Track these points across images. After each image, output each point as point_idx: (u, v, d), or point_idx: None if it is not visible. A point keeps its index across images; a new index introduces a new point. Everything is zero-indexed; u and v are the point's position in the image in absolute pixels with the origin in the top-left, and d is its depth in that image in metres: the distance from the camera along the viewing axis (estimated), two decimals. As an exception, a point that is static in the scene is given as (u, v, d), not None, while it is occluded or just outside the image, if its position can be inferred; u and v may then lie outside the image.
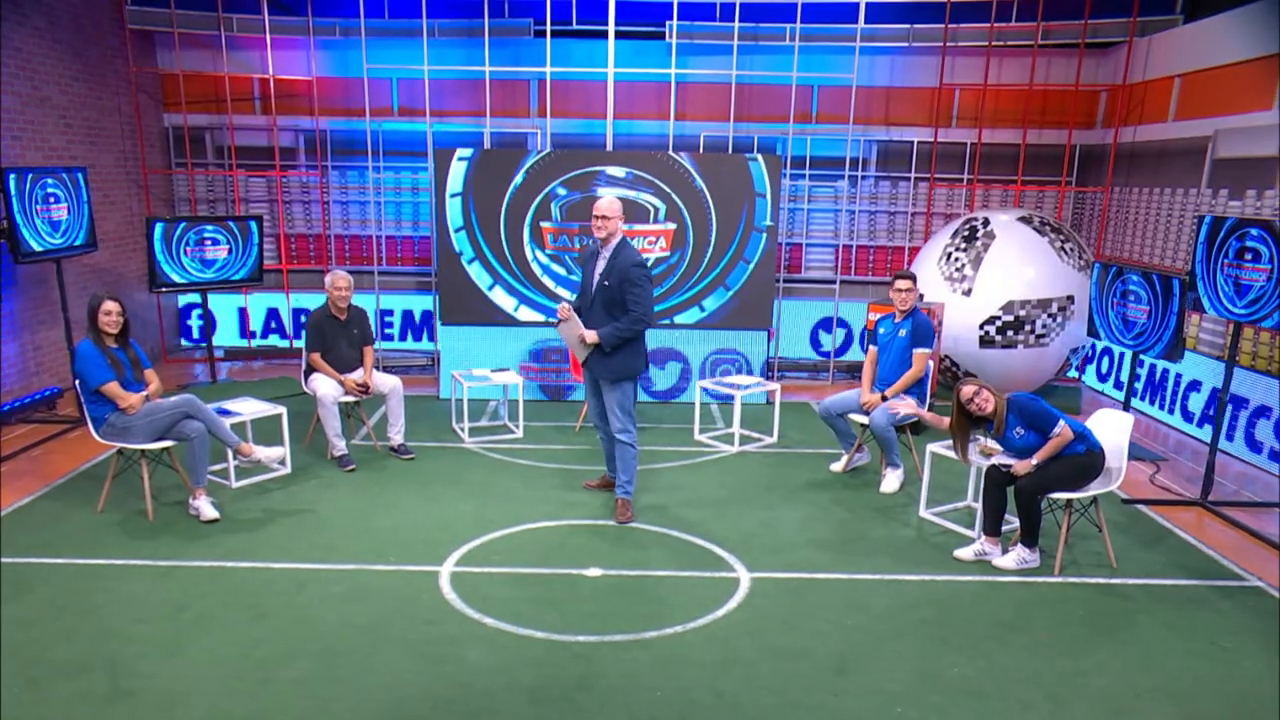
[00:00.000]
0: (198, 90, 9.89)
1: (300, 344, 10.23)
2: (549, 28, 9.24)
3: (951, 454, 5.82)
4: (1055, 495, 5.15)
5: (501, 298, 8.70)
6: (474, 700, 3.83)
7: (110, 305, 5.58)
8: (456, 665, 4.09)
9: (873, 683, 4.05)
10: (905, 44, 9.69)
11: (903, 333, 6.56)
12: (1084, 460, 5.14)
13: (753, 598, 4.81)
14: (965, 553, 5.31)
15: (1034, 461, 5.11)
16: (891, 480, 6.54)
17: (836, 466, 6.92)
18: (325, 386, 6.69)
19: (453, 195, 8.57)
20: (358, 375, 6.91)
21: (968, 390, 5.26)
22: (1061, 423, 5.10)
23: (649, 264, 6.01)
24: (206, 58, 9.87)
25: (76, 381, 5.62)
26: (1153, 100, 8.94)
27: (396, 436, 7.04)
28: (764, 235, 8.60)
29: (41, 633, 4.29)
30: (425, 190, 10.17)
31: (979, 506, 5.65)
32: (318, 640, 4.28)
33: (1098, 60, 9.70)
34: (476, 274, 8.67)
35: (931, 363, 6.89)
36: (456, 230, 8.60)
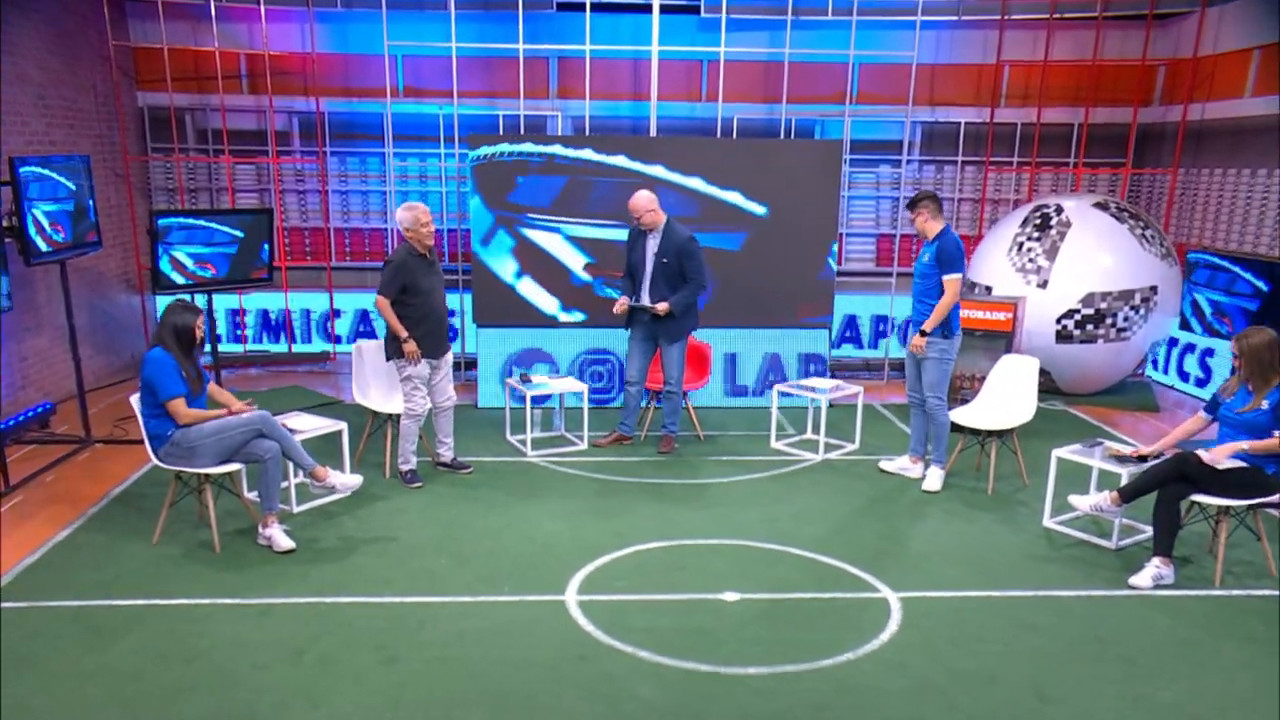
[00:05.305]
0: (172, 67, 9.53)
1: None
2: (588, 1, 9.16)
3: (1076, 458, 5.92)
4: (1207, 501, 5.26)
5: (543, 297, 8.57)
6: (672, 744, 3.80)
7: (200, 319, 5.41)
8: (636, 705, 4.04)
9: (1080, 709, 4.10)
10: (955, 18, 9.80)
11: (926, 256, 6.46)
12: (1270, 480, 5.17)
13: (911, 619, 4.84)
14: (1143, 580, 5.21)
15: (1245, 446, 5.11)
16: (934, 479, 6.67)
17: (887, 466, 7.07)
18: (422, 404, 6.58)
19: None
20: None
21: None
22: None
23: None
24: (185, 30, 9.59)
25: (137, 394, 5.44)
26: (1224, 74, 9.14)
27: (447, 452, 6.95)
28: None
29: (153, 685, 4.14)
30: (435, 179, 10.01)
31: (1115, 520, 5.73)
32: (471, 682, 4.19)
33: (1155, 33, 9.86)
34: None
35: (1030, 361, 6.99)
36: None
